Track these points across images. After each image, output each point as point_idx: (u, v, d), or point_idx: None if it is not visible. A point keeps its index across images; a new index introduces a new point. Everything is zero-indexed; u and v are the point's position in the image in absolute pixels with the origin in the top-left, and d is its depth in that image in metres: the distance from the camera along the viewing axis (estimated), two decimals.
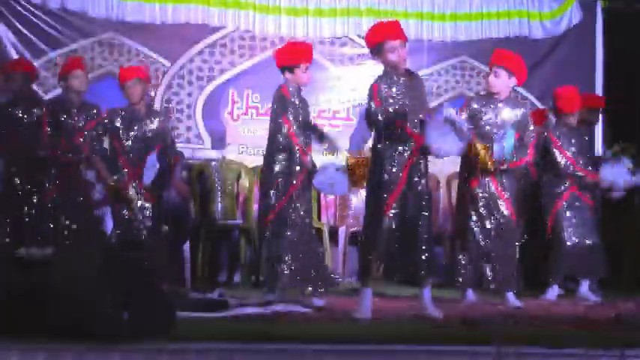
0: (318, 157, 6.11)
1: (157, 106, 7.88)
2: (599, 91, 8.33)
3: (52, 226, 6.39)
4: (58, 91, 6.91)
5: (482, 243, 5.83)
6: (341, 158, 5.71)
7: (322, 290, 5.65)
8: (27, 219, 6.41)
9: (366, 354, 3.73)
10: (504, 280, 5.82)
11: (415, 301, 5.20)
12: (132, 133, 6.17)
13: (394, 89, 5.01)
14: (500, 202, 5.83)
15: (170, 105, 8.01)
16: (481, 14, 8.56)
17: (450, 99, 8.21)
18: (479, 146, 5.62)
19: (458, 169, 6.17)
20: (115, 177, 6.14)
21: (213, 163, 7.80)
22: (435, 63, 8.47)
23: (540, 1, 8.63)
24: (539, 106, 8.04)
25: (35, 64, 7.32)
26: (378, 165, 5.05)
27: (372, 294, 5.02)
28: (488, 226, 5.83)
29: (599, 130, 8.17)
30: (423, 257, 4.98)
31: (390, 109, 4.96)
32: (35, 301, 3.74)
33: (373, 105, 4.95)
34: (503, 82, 5.83)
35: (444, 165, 7.25)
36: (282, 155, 5.67)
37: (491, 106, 5.84)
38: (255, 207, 7.71)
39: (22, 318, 3.73)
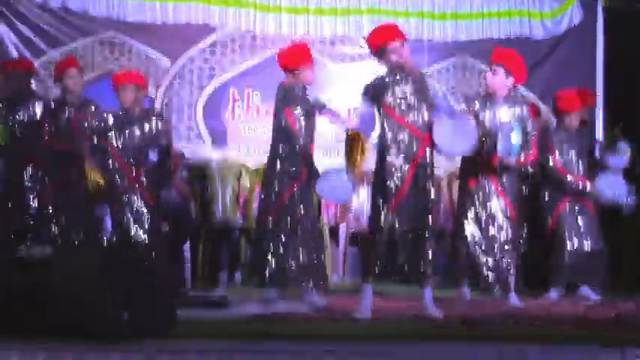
0: (321, 161, 6.10)
1: (157, 105, 7.90)
2: (599, 91, 8.33)
3: (52, 225, 6.40)
4: (58, 91, 6.92)
5: (481, 243, 5.82)
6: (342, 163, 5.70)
7: (319, 288, 5.64)
8: (28, 218, 6.42)
9: (366, 354, 3.73)
10: (504, 280, 5.82)
11: (415, 301, 5.20)
12: (126, 134, 6.17)
13: (397, 88, 5.02)
14: (500, 202, 5.82)
15: (165, 106, 8.01)
16: (482, 14, 8.56)
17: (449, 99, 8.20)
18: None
19: (458, 169, 6.16)
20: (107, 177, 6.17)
21: (214, 162, 7.80)
22: (436, 63, 8.47)
23: (541, 1, 8.63)
24: (541, 105, 8.04)
25: (36, 63, 7.34)
26: (382, 163, 5.06)
27: (371, 292, 5.03)
28: (486, 226, 5.82)
29: (599, 129, 8.17)
30: (424, 257, 4.98)
31: (396, 109, 4.99)
32: (35, 301, 3.74)
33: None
34: (501, 80, 5.83)
35: (445, 164, 7.27)
36: (285, 150, 5.67)
37: (491, 105, 5.83)
38: (255, 206, 7.73)
39: (22, 318, 3.73)
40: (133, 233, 6.12)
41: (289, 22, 8.30)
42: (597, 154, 6.75)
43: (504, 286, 5.81)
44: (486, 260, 5.83)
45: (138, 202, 6.14)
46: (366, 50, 8.29)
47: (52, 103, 6.65)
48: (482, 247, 5.83)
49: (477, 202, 5.84)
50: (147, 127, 6.23)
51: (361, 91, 5.14)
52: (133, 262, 4.27)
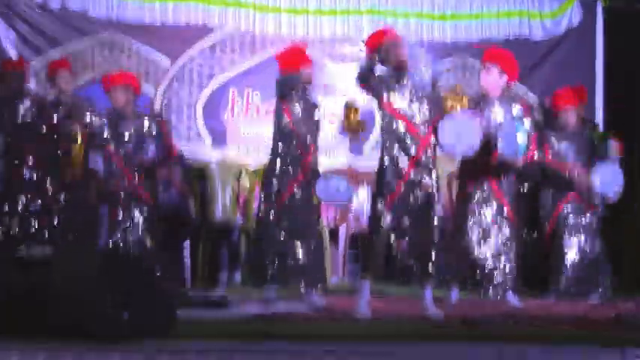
0: (321, 161, 6.10)
1: (157, 105, 7.90)
2: (599, 90, 8.33)
3: (52, 225, 6.40)
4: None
5: (479, 244, 5.83)
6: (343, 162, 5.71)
7: (318, 288, 5.63)
8: (27, 218, 6.42)
9: (366, 354, 3.73)
10: (503, 280, 5.82)
11: (415, 301, 5.20)
12: (121, 133, 6.17)
13: (397, 87, 5.03)
14: (499, 202, 5.83)
15: (165, 106, 8.01)
16: (481, 14, 8.56)
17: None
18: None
19: (458, 169, 6.16)
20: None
21: (214, 162, 7.80)
22: (435, 63, 8.46)
23: (541, 1, 8.63)
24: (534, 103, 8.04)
25: (36, 63, 7.34)
26: (383, 163, 5.06)
27: (369, 291, 5.03)
28: (485, 227, 5.83)
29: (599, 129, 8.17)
30: (425, 257, 4.98)
31: (395, 108, 5.00)
32: (35, 301, 3.74)
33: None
34: (494, 79, 5.83)
35: (445, 164, 7.27)
36: (284, 150, 5.68)
37: (485, 105, 5.82)
38: (255, 206, 7.73)
39: (22, 318, 3.73)
40: (130, 234, 6.12)
41: (289, 23, 8.30)
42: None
43: (503, 286, 5.82)
44: (485, 261, 5.84)
45: (135, 203, 6.14)
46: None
47: (45, 102, 6.65)
48: (481, 248, 5.84)
49: (475, 203, 5.85)
50: (141, 126, 6.23)
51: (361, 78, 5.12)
52: (133, 262, 4.27)
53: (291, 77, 5.70)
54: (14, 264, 4.05)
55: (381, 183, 5.06)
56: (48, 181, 6.46)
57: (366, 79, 5.08)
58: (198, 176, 7.66)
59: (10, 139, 6.46)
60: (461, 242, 5.87)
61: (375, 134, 8.03)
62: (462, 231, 5.88)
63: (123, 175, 6.16)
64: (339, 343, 3.91)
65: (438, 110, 5.14)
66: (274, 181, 5.66)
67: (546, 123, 6.71)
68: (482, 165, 5.72)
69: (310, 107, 5.78)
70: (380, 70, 5.11)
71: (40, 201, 6.43)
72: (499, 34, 8.54)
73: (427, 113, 5.04)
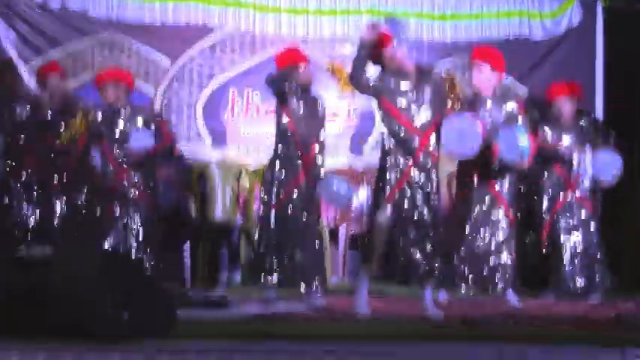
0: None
1: (157, 105, 7.90)
2: (599, 90, 8.33)
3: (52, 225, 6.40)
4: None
5: (478, 244, 5.85)
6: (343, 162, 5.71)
7: (317, 289, 5.63)
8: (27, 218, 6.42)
9: (366, 354, 3.73)
10: (503, 280, 5.83)
11: (415, 301, 5.20)
12: (114, 129, 6.17)
13: (397, 88, 5.03)
14: (498, 202, 5.84)
15: (165, 106, 8.00)
16: (481, 14, 8.56)
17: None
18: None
19: (457, 169, 6.16)
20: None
21: (214, 162, 7.80)
22: (435, 63, 8.46)
23: (541, 1, 8.62)
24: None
25: (36, 63, 7.34)
26: (383, 163, 5.07)
27: (368, 288, 5.03)
28: (484, 227, 5.84)
29: None
30: (425, 257, 4.98)
31: (394, 108, 5.01)
32: (35, 301, 3.74)
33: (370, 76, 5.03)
34: (487, 77, 5.83)
35: (444, 165, 7.26)
36: (283, 150, 5.68)
37: (480, 104, 5.82)
38: (255, 207, 7.73)
39: (22, 318, 3.73)
40: (127, 233, 6.13)
41: (289, 23, 8.30)
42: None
43: (502, 285, 5.82)
44: (484, 260, 5.85)
45: (132, 200, 6.14)
46: None
47: (39, 101, 6.65)
48: (481, 248, 5.85)
49: (474, 203, 5.86)
50: (135, 120, 6.22)
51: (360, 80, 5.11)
52: (133, 262, 4.27)
53: (282, 73, 5.70)
54: (14, 264, 4.05)
55: (381, 182, 5.06)
56: (47, 181, 6.45)
57: (357, 81, 5.09)
58: (198, 176, 7.66)
59: (9, 139, 6.46)
60: (460, 242, 5.88)
61: (375, 134, 8.05)
62: (461, 231, 5.89)
63: (117, 171, 6.16)
64: (339, 343, 3.91)
65: (439, 105, 5.12)
66: (274, 182, 5.66)
67: (540, 116, 6.68)
68: (481, 165, 5.72)
69: (312, 105, 5.77)
70: (376, 71, 5.11)
71: (39, 201, 6.43)
72: (499, 34, 8.54)
73: (428, 114, 5.04)
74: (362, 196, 7.65)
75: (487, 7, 8.58)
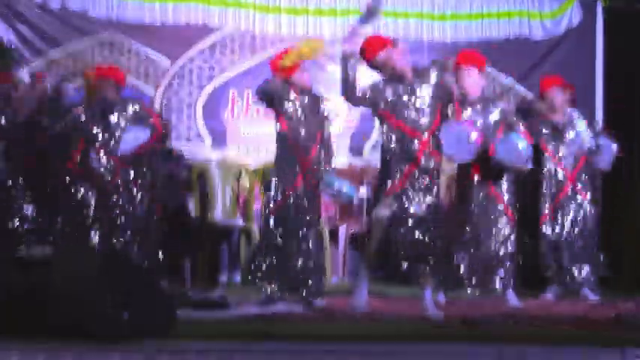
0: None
1: (157, 105, 7.90)
2: (599, 91, 8.33)
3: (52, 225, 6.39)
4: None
5: (478, 243, 5.87)
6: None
7: (310, 296, 5.62)
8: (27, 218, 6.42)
9: (366, 354, 3.73)
10: (503, 280, 5.85)
11: (415, 301, 5.20)
12: (109, 126, 6.16)
13: (392, 93, 5.02)
14: (496, 203, 5.86)
15: (165, 106, 8.00)
16: (481, 14, 8.56)
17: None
18: None
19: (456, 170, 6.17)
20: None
21: (214, 162, 7.80)
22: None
23: (541, 1, 8.62)
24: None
25: (36, 63, 7.35)
26: (384, 163, 5.07)
27: (367, 285, 5.03)
28: (483, 227, 5.86)
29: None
30: (426, 258, 4.98)
31: (390, 112, 5.00)
32: (35, 301, 3.74)
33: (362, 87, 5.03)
34: (475, 80, 5.87)
35: (444, 166, 7.26)
36: (282, 154, 5.69)
37: (469, 106, 5.83)
38: (255, 207, 7.72)
39: (22, 318, 3.73)
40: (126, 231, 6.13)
41: (288, 23, 8.30)
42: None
43: (502, 285, 5.83)
44: (484, 260, 5.87)
45: (126, 196, 6.15)
46: None
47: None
48: (480, 248, 5.87)
49: (473, 204, 5.88)
50: (125, 113, 6.20)
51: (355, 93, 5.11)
52: (133, 262, 4.27)
53: (266, 86, 5.72)
54: (14, 264, 4.05)
55: (382, 182, 5.07)
56: (46, 181, 6.46)
57: (350, 98, 5.11)
58: (198, 176, 7.66)
59: (7, 140, 6.46)
60: (460, 243, 5.89)
61: (376, 134, 8.05)
62: (461, 231, 5.90)
63: (117, 167, 6.15)
64: (339, 343, 3.91)
65: (445, 98, 5.12)
66: (272, 185, 5.69)
67: (532, 113, 6.67)
68: (480, 166, 5.74)
69: (311, 107, 5.75)
70: (369, 79, 5.11)
71: (40, 201, 6.43)
72: (499, 34, 8.54)
73: (429, 114, 5.03)
74: (362, 195, 7.65)
75: (487, 7, 8.58)
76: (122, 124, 6.18)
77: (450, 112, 5.12)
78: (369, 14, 5.23)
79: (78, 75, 7.25)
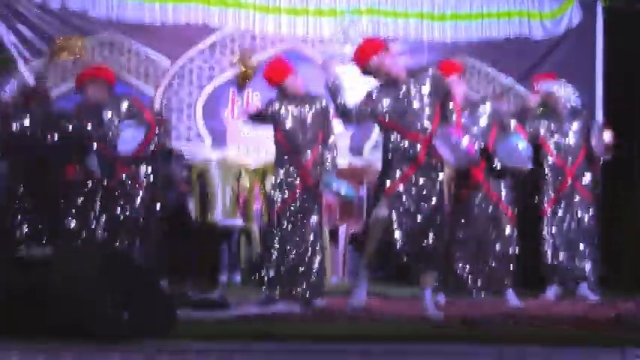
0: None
1: (157, 105, 7.90)
2: (599, 90, 8.33)
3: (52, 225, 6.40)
4: (58, 90, 6.95)
5: (477, 244, 5.88)
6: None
7: (307, 297, 5.62)
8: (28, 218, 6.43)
9: (367, 354, 3.73)
10: (503, 280, 5.86)
11: (415, 301, 5.20)
12: (103, 127, 6.15)
13: (389, 100, 5.01)
14: (495, 202, 5.88)
15: (165, 106, 8.00)
16: (481, 14, 8.56)
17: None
18: None
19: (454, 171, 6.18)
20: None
21: (214, 162, 7.80)
22: (435, 63, 8.46)
23: (540, 1, 8.63)
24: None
25: (36, 63, 7.35)
26: (384, 164, 5.07)
27: (366, 281, 5.02)
28: (483, 226, 5.87)
29: None
30: (426, 258, 4.98)
31: (386, 117, 5.00)
32: (35, 301, 3.74)
33: (357, 104, 5.05)
34: (462, 88, 5.96)
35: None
36: (281, 160, 5.73)
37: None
38: (255, 207, 7.73)
39: (22, 318, 3.73)
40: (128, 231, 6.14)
41: (288, 23, 8.31)
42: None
43: (503, 285, 5.84)
44: (484, 260, 5.88)
45: (126, 196, 6.15)
46: None
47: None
48: (480, 248, 5.88)
49: (471, 204, 5.89)
50: (119, 111, 6.18)
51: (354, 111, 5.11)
52: (133, 262, 4.27)
53: (256, 115, 5.85)
54: (14, 264, 4.05)
55: (382, 182, 5.06)
56: (47, 183, 6.46)
57: (350, 121, 5.13)
58: (198, 176, 7.66)
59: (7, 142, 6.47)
60: (459, 243, 5.90)
61: (376, 134, 8.05)
62: (459, 232, 5.91)
63: (113, 168, 6.14)
64: (339, 343, 3.91)
65: (442, 100, 5.12)
66: (273, 191, 5.73)
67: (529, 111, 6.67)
68: (478, 168, 5.78)
69: (309, 108, 5.75)
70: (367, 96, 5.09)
71: (40, 202, 6.44)
72: (499, 34, 8.54)
73: (428, 115, 5.02)
74: (362, 195, 7.65)
75: (487, 7, 8.58)
76: (116, 121, 6.16)
77: (449, 109, 5.10)
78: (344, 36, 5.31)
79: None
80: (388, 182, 5.00)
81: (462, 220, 5.94)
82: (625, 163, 7.66)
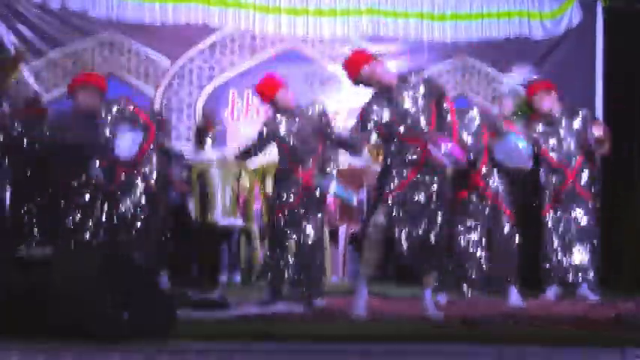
0: None
1: (157, 105, 7.91)
2: (599, 90, 8.33)
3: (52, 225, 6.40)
4: (58, 90, 6.94)
5: (477, 244, 5.89)
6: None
7: (308, 297, 5.63)
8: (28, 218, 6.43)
9: (366, 354, 3.73)
10: (503, 280, 5.86)
11: (415, 301, 5.20)
12: (98, 133, 6.14)
13: (385, 109, 5.00)
14: (493, 202, 5.89)
15: (165, 106, 8.00)
16: (481, 14, 8.56)
17: (450, 99, 8.18)
18: None
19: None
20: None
21: (214, 162, 7.80)
22: (435, 63, 8.48)
23: (540, 1, 8.63)
24: None
25: (36, 63, 7.35)
26: (384, 165, 5.08)
27: (366, 291, 5.02)
28: (482, 226, 5.89)
29: None
30: (427, 259, 4.98)
31: (383, 128, 5.01)
32: (35, 301, 3.74)
33: (353, 131, 5.04)
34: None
35: None
36: (282, 169, 5.79)
37: None
38: (254, 207, 7.73)
39: (22, 318, 3.73)
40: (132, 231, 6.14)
41: (288, 23, 8.31)
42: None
43: (505, 284, 5.85)
44: (486, 260, 5.88)
45: (127, 197, 6.15)
46: (367, 50, 8.32)
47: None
48: (480, 249, 5.89)
49: (469, 205, 5.91)
50: (110, 115, 6.17)
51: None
52: (133, 262, 4.27)
53: (246, 152, 5.98)
54: (14, 264, 4.05)
55: (381, 187, 5.05)
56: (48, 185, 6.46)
57: (356, 149, 5.17)
58: (198, 176, 7.66)
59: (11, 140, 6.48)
60: (460, 243, 5.91)
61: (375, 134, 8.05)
62: (460, 232, 5.92)
63: (114, 172, 6.14)
64: (339, 343, 3.91)
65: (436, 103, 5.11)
66: (273, 197, 5.77)
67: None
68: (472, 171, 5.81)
69: (305, 119, 5.76)
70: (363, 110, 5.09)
71: (40, 201, 6.44)
72: (499, 34, 8.55)
73: (425, 118, 5.01)
74: (362, 196, 7.66)
75: (487, 7, 8.59)
76: (111, 127, 6.15)
77: (444, 108, 5.09)
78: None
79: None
80: (388, 188, 4.99)
81: (461, 221, 5.94)
82: (625, 163, 7.66)
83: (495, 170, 5.95)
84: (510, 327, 4.62)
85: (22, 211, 6.44)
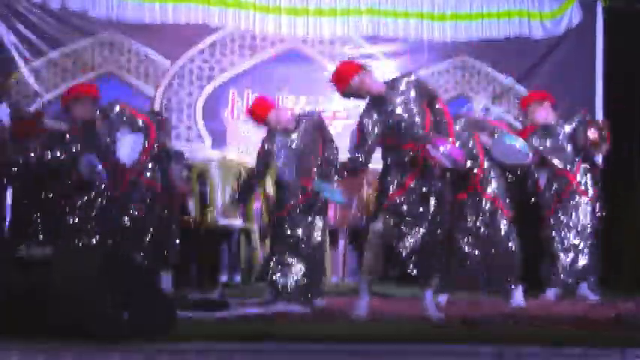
0: None
1: (157, 105, 7.91)
2: (599, 91, 8.33)
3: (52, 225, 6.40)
4: (58, 91, 6.94)
5: (478, 244, 5.90)
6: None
7: (308, 298, 5.63)
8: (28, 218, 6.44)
9: (366, 354, 3.73)
10: (504, 280, 5.87)
11: (415, 301, 5.20)
12: (98, 139, 6.13)
13: (379, 119, 4.99)
14: (492, 202, 5.90)
15: (165, 106, 8.00)
16: (481, 14, 8.55)
17: (450, 99, 8.20)
18: None
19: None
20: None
21: (214, 162, 7.80)
22: (435, 63, 8.47)
23: (541, 1, 8.62)
24: None
25: (36, 63, 7.35)
26: (384, 167, 5.07)
27: (368, 292, 5.02)
28: (482, 231, 5.90)
29: None
30: (427, 260, 4.98)
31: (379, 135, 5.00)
32: (35, 301, 3.74)
33: (353, 146, 5.05)
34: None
35: None
36: (277, 183, 5.86)
37: None
38: (254, 207, 7.73)
39: (22, 318, 3.73)
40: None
41: (289, 23, 8.31)
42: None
43: (506, 284, 5.86)
44: (486, 260, 5.88)
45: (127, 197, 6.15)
46: (366, 50, 8.34)
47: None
48: (480, 249, 5.89)
49: (468, 206, 5.92)
50: (107, 120, 6.16)
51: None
52: (133, 262, 4.27)
53: (244, 190, 6.13)
54: (14, 264, 4.05)
55: (381, 191, 5.05)
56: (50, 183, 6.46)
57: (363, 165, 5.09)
58: (198, 176, 7.66)
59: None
60: (457, 245, 5.92)
61: None
62: (458, 234, 5.93)
63: (117, 178, 6.13)
64: (339, 343, 3.91)
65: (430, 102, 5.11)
66: (274, 198, 5.81)
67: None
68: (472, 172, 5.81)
69: (303, 135, 5.78)
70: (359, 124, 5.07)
71: (42, 204, 6.44)
72: (499, 34, 8.54)
73: (419, 120, 5.00)
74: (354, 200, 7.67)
75: (487, 7, 8.58)
76: (110, 133, 6.15)
77: (437, 109, 5.09)
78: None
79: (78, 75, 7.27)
80: (388, 193, 4.98)
81: (461, 222, 5.94)
82: (625, 163, 7.67)
83: (493, 171, 5.95)
84: (510, 327, 4.63)
85: (23, 211, 6.44)
